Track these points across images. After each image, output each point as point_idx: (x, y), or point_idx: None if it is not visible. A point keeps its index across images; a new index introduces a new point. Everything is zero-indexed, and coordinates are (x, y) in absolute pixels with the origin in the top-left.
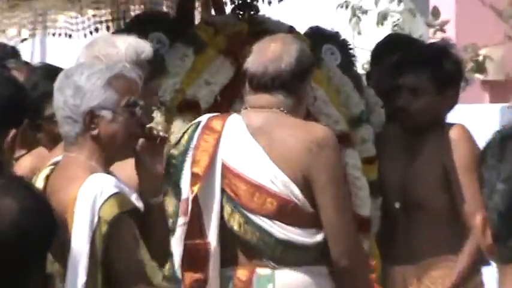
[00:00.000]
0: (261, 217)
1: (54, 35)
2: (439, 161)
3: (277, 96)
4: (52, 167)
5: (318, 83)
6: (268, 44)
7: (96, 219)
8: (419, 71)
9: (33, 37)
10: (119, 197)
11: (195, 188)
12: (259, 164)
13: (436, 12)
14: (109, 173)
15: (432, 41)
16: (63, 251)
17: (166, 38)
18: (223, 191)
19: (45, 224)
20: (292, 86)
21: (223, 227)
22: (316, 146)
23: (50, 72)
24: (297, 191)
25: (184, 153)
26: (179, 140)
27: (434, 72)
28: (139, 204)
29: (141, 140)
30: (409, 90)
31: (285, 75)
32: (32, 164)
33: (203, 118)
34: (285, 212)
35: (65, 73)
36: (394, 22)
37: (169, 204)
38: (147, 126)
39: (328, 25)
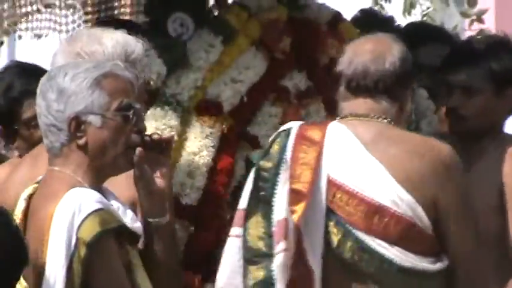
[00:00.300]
0: (382, 242)
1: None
2: (496, 178)
3: (381, 103)
4: (36, 185)
5: None
6: (364, 43)
7: (74, 241)
8: (473, 67)
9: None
10: (102, 213)
11: (298, 208)
12: (379, 182)
13: (472, 0)
14: (100, 189)
15: (468, 33)
16: (40, 279)
17: (192, 21)
18: (328, 211)
19: (12, 256)
20: (395, 91)
21: (327, 253)
22: (443, 167)
23: (26, 69)
24: (422, 214)
25: (278, 165)
26: (268, 150)
27: (491, 69)
28: (136, 224)
29: (139, 150)
30: (461, 89)
31: (389, 77)
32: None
33: (293, 125)
34: (409, 236)
35: (47, 75)
36: (424, 11)
37: (256, 224)
38: (147, 133)
39: (344, 13)
